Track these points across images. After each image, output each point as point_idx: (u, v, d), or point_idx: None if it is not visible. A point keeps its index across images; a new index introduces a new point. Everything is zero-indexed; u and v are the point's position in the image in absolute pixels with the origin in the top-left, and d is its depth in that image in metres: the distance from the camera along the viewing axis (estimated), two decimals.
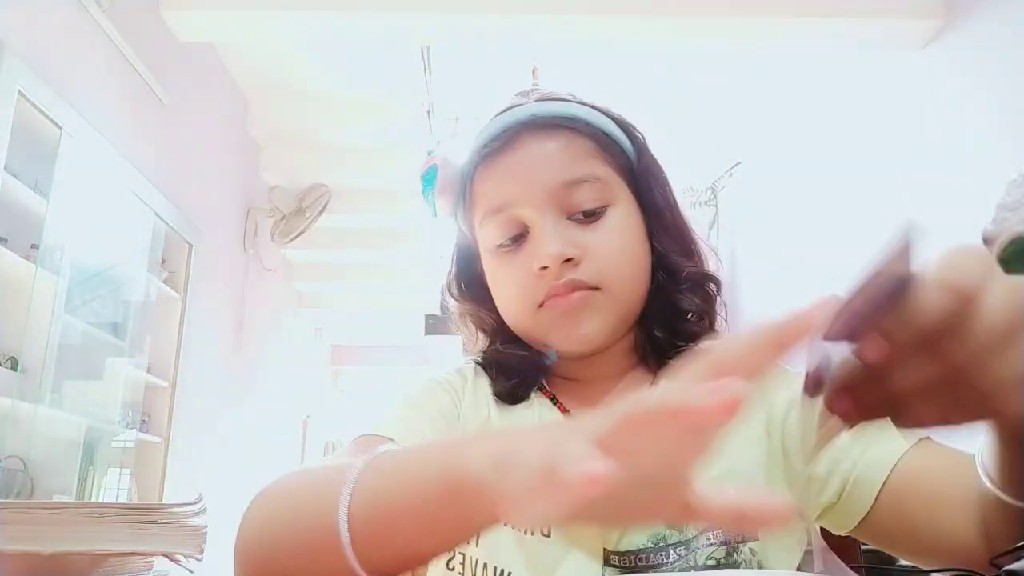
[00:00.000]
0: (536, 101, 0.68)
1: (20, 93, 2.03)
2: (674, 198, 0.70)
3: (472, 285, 0.73)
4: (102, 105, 2.49)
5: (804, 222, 3.10)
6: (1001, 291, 0.33)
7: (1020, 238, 0.48)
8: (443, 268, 0.76)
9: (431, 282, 4.94)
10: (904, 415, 0.35)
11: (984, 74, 2.23)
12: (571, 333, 0.63)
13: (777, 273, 3.14)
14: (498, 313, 0.69)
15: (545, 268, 0.61)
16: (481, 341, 0.74)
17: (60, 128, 2.23)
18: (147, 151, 2.79)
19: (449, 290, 0.75)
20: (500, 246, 0.65)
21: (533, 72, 3.68)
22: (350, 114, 3.79)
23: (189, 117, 3.16)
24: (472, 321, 0.73)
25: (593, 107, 0.69)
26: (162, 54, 2.82)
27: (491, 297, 0.69)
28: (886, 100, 2.70)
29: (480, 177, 0.67)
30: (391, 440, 0.60)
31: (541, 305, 0.63)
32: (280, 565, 0.44)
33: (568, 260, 0.61)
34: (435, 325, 5.33)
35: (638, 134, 0.70)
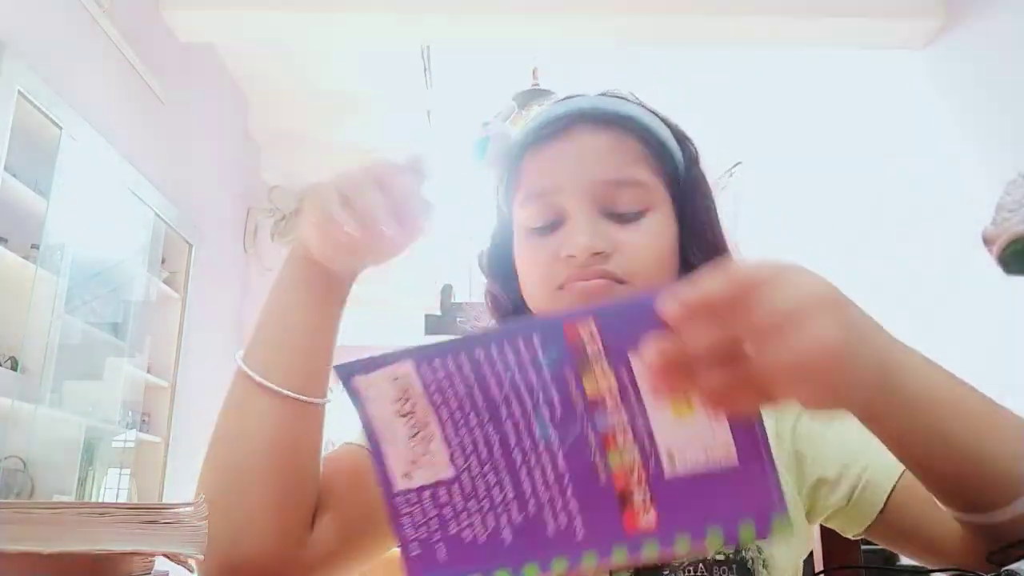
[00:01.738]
0: (599, 95, 0.69)
1: (20, 93, 2.03)
2: (716, 216, 0.70)
3: (501, 262, 0.73)
4: (102, 105, 2.49)
5: (804, 222, 3.10)
6: (788, 286, 0.36)
7: (1020, 238, 0.48)
8: (477, 246, 0.78)
9: (431, 282, 4.94)
10: (698, 387, 0.37)
11: (984, 74, 2.23)
12: None
13: None
14: (518, 295, 0.70)
15: (572, 256, 0.62)
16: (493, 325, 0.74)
17: (60, 128, 2.23)
18: (147, 151, 2.79)
19: (480, 262, 0.76)
20: (535, 229, 0.66)
21: (533, 72, 3.68)
22: (350, 114, 3.79)
23: (189, 117, 3.16)
24: (491, 300, 0.74)
25: (654, 112, 0.69)
26: (162, 54, 2.82)
27: (515, 278, 0.70)
28: (886, 100, 2.70)
29: (529, 159, 0.67)
30: (361, 447, 0.62)
31: (561, 288, 0.63)
32: (232, 467, 0.53)
33: (598, 253, 0.61)
34: (435, 325, 5.32)
35: (692, 147, 0.71)
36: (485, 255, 0.75)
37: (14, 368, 2.08)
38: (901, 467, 0.57)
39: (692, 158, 0.70)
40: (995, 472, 0.46)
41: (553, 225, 0.64)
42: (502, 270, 0.72)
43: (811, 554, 0.77)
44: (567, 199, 0.63)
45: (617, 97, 0.69)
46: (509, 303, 0.72)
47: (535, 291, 0.66)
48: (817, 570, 0.74)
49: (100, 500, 2.63)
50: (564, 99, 0.69)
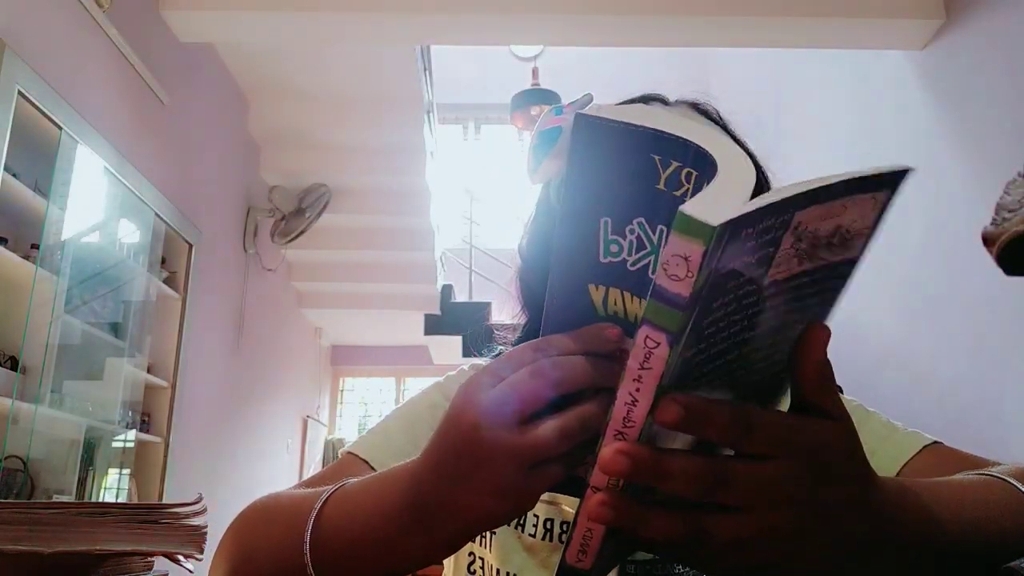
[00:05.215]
0: (684, 104, 0.65)
1: (20, 93, 2.03)
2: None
3: (541, 255, 0.69)
4: (102, 105, 2.49)
5: None
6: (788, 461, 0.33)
7: (1020, 238, 0.48)
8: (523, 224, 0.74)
9: (431, 282, 4.94)
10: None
11: (984, 74, 2.23)
12: None
13: None
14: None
15: None
16: (520, 316, 0.72)
17: (60, 128, 2.23)
18: (147, 151, 2.79)
19: (520, 247, 0.73)
20: None
21: (533, 72, 3.68)
22: (350, 114, 3.79)
23: (189, 117, 3.16)
24: (523, 288, 0.71)
25: (734, 137, 0.65)
26: (162, 54, 2.82)
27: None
28: (886, 100, 2.70)
29: None
30: (366, 462, 0.60)
31: None
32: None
33: None
34: (435, 325, 5.33)
35: (765, 180, 0.68)
36: (527, 242, 0.72)
37: (14, 368, 2.08)
38: (903, 461, 0.56)
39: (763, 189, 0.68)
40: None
41: None
42: (540, 262, 0.69)
43: None
44: None
45: (702, 111, 0.65)
46: (543, 296, 0.69)
47: None
48: None
49: (100, 500, 2.63)
50: (644, 100, 0.65)
